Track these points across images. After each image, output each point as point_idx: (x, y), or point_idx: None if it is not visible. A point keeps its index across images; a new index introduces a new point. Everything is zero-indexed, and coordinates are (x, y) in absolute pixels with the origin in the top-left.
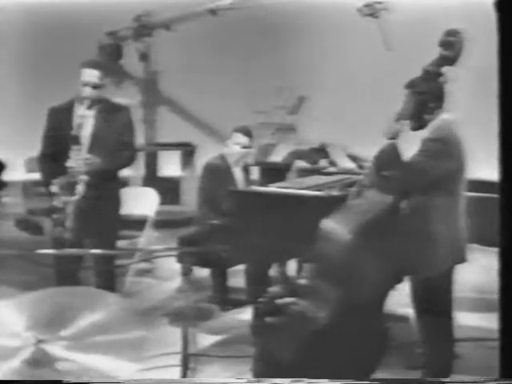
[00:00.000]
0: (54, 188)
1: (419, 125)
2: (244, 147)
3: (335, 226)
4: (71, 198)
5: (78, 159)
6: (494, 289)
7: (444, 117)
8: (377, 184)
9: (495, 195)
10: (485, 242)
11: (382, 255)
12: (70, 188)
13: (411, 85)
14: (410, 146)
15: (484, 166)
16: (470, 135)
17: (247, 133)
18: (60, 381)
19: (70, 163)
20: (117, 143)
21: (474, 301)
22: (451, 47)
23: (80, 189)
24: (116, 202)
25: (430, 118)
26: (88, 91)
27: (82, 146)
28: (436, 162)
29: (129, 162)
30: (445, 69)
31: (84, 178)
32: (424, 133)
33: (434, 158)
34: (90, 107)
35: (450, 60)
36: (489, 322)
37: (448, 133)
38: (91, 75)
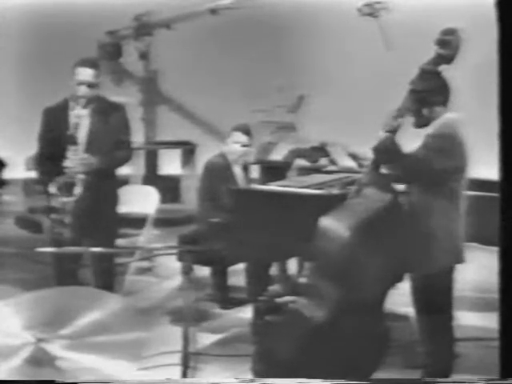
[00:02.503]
0: (52, 189)
1: (421, 123)
2: (244, 146)
3: (333, 224)
4: (69, 199)
5: (75, 159)
6: (494, 288)
7: (448, 115)
8: (376, 180)
9: (495, 194)
10: (485, 241)
11: (381, 253)
12: (67, 188)
13: (410, 83)
14: (410, 142)
15: (484, 166)
16: (471, 134)
17: (247, 131)
18: (60, 381)
19: (67, 163)
20: (113, 142)
21: (474, 300)
22: (448, 46)
23: (78, 189)
24: (114, 200)
25: (432, 116)
26: (83, 90)
27: (79, 146)
28: (437, 156)
29: (125, 160)
30: (442, 67)
31: (81, 177)
32: (427, 130)
33: (435, 151)
34: (85, 106)
35: (446, 58)
36: (489, 321)
37: (451, 131)
38: (86, 74)
